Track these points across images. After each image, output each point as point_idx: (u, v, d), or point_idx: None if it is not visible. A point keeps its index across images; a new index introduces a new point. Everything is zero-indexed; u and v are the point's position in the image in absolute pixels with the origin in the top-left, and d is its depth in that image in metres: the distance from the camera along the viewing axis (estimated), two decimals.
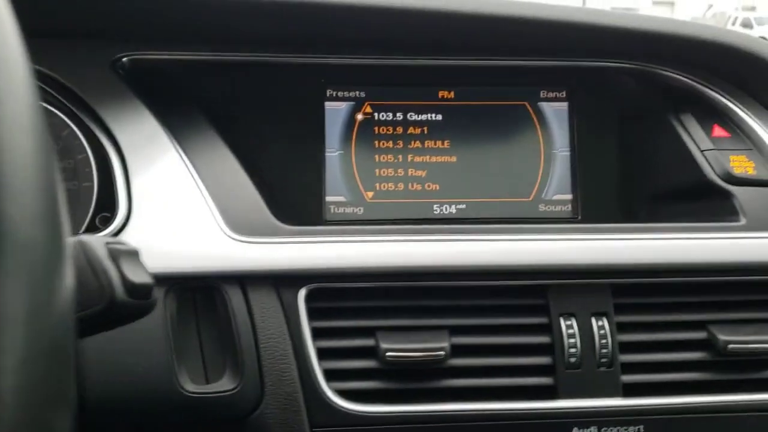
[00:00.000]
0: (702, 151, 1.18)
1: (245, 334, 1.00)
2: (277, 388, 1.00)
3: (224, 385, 1.00)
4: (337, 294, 1.04)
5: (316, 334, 1.03)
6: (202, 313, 1.03)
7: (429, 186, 1.32)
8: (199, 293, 1.03)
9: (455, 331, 1.05)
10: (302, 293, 1.03)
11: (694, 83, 1.22)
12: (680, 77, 1.22)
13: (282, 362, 1.00)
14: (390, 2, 1.13)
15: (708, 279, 1.09)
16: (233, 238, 1.02)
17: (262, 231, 1.04)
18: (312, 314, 1.03)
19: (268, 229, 1.04)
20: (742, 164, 1.16)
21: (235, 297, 1.01)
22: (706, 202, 1.18)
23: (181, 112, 1.13)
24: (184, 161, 1.07)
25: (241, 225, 1.04)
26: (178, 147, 1.08)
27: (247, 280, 1.02)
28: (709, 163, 1.17)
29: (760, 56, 1.17)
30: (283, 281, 1.03)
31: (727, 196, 1.15)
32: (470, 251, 1.06)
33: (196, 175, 1.06)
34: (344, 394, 1.02)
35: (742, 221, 1.12)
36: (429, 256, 1.05)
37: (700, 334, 1.08)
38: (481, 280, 1.06)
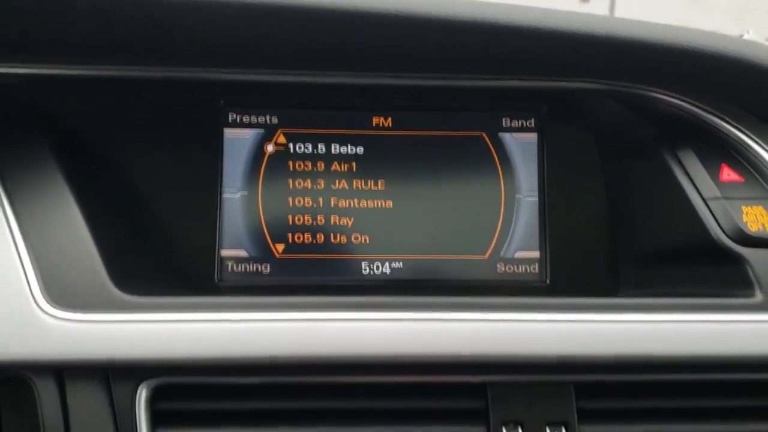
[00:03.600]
0: (706, 200, 0.89)
1: None
2: None
3: None
4: (193, 393, 0.77)
5: None
6: (8, 413, 0.75)
7: (357, 238, 1.03)
8: (4, 385, 0.75)
9: None
10: (143, 392, 0.75)
11: (697, 109, 0.94)
12: (678, 101, 0.94)
13: None
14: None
15: (710, 377, 0.80)
16: (49, 313, 0.75)
17: (94, 303, 0.77)
18: (157, 420, 0.75)
19: (102, 300, 0.77)
20: (758, 219, 0.87)
21: (46, 394, 0.74)
22: (712, 268, 0.89)
23: (16, 144, 0.87)
24: (1, 204, 0.81)
25: (65, 294, 0.77)
26: None
27: (65, 372, 0.75)
28: (715, 217, 0.88)
29: None
30: (116, 374, 0.75)
31: (739, 261, 0.86)
32: (379, 335, 0.78)
33: (15, 226, 0.80)
34: None
35: (758, 297, 0.83)
36: (318, 342, 0.77)
37: None
38: (397, 375, 0.78)
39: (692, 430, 0.80)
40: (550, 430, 0.78)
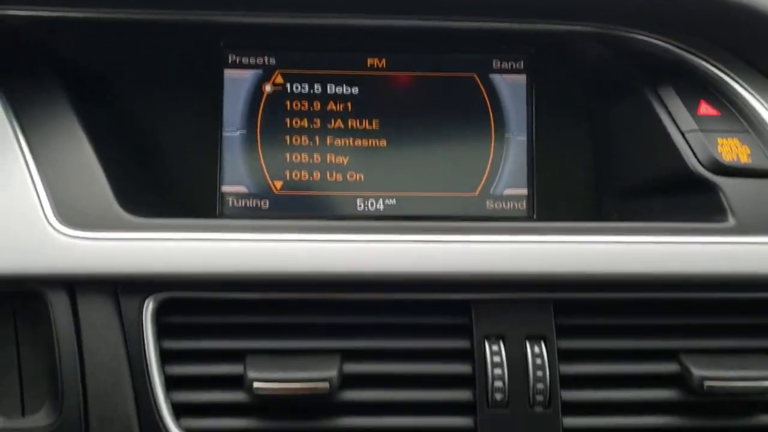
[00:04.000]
0: (684, 133, 0.93)
1: (68, 355, 0.78)
2: (106, 426, 0.77)
3: (42, 419, 0.78)
4: (196, 306, 0.82)
5: (167, 357, 0.80)
6: (23, 327, 0.81)
7: (352, 176, 1.08)
8: (19, 301, 0.81)
9: (349, 356, 0.82)
10: (150, 305, 0.80)
11: (678, 50, 0.97)
12: (661, 42, 0.97)
13: (114, 394, 0.78)
14: None
15: (682, 295, 0.84)
16: (61, 232, 0.80)
17: (102, 223, 0.82)
18: (162, 332, 0.81)
19: (111, 220, 0.82)
20: (733, 149, 0.91)
21: (59, 307, 0.79)
22: (688, 197, 0.93)
23: (30, 81, 0.91)
24: (15, 135, 0.85)
25: (75, 215, 0.82)
26: (13, 119, 0.86)
27: (77, 286, 0.80)
28: (692, 148, 0.92)
29: (762, 12, 0.91)
30: (124, 288, 0.80)
31: (713, 189, 0.89)
32: (372, 254, 0.82)
33: (26, 150, 0.84)
34: None
35: (730, 222, 0.87)
36: (316, 260, 0.81)
37: (669, 367, 0.83)
38: (385, 292, 0.83)
39: (663, 346, 0.84)
40: (529, 343, 0.82)
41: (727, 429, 0.82)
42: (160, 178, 1.04)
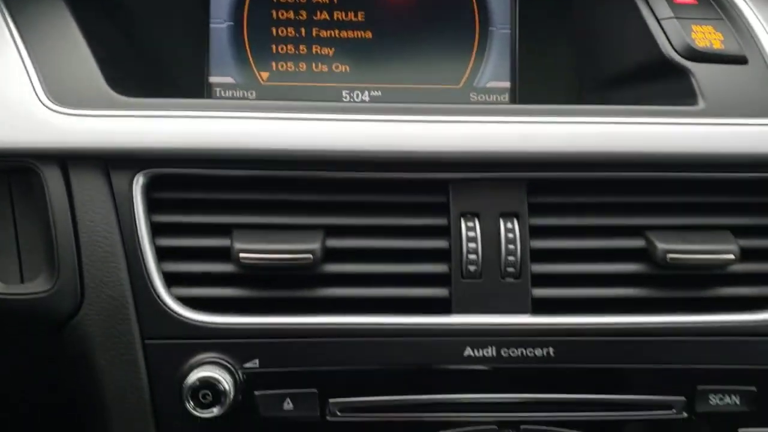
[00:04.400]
0: (659, 20, 0.95)
1: (63, 225, 0.82)
2: (100, 291, 0.82)
3: (39, 285, 0.83)
4: (185, 182, 0.85)
5: (157, 230, 0.84)
6: (20, 202, 0.84)
7: (337, 67, 1.10)
8: (15, 176, 0.84)
9: (332, 231, 0.86)
10: (140, 180, 0.84)
11: None
12: None
13: (107, 262, 0.82)
14: None
15: (650, 175, 0.87)
16: (51, 109, 0.83)
17: (92, 102, 0.84)
18: (153, 207, 0.84)
19: (101, 99, 0.85)
20: (706, 36, 0.93)
21: (53, 180, 0.83)
22: (663, 83, 0.96)
23: None
24: (5, 18, 0.87)
25: (66, 94, 0.84)
26: (1, 3, 0.88)
27: (69, 162, 0.83)
28: (667, 35, 0.94)
29: None
30: (115, 164, 0.84)
31: (685, 74, 0.92)
32: (354, 134, 0.85)
33: (15, 33, 0.87)
34: (187, 302, 0.84)
35: (700, 105, 0.89)
36: (301, 138, 0.84)
37: (634, 242, 0.87)
38: (367, 171, 0.86)
39: (630, 222, 0.87)
40: (503, 220, 0.86)
41: (688, 299, 0.86)
42: (149, 70, 1.06)
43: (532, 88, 1.11)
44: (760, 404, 0.86)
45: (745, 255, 0.86)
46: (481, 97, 1.12)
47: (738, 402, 0.86)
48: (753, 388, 0.86)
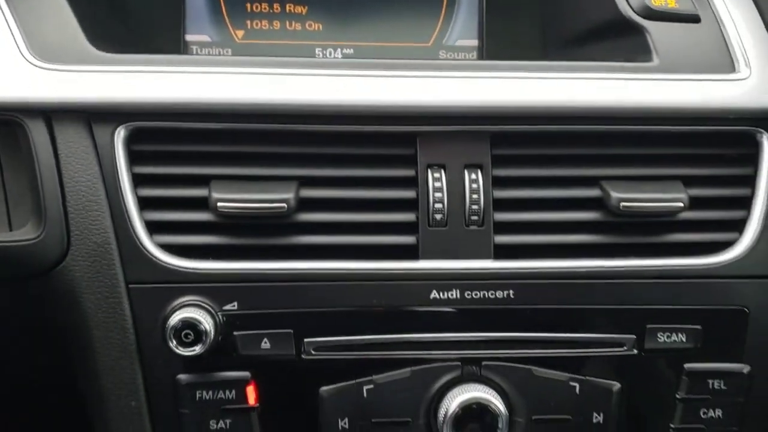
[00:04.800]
0: None
1: (49, 176, 0.86)
2: (85, 238, 0.86)
3: (27, 233, 0.87)
4: (164, 135, 0.89)
5: (139, 181, 0.88)
6: (6, 152, 0.88)
7: (310, 25, 1.14)
8: (1, 129, 0.88)
9: (306, 182, 0.90)
10: (121, 133, 0.87)
11: None
12: None
13: (91, 210, 0.86)
14: None
15: (606, 128, 0.92)
16: (34, 64, 0.86)
17: (74, 58, 0.88)
18: (135, 158, 0.88)
19: (82, 55, 0.88)
20: None
21: (38, 133, 0.86)
22: (621, 41, 1.00)
23: None
24: None
25: (48, 50, 0.87)
26: None
27: (53, 115, 0.87)
28: None
29: None
30: (96, 117, 0.87)
31: (641, 32, 0.97)
32: (327, 88, 0.89)
33: None
34: (168, 248, 0.88)
35: (655, 61, 0.94)
36: (275, 93, 0.88)
37: (590, 192, 0.92)
38: (339, 124, 0.90)
39: (587, 173, 0.92)
40: (467, 171, 0.91)
41: (640, 245, 0.92)
42: (127, 29, 1.09)
43: (499, 47, 1.15)
44: (705, 341, 0.92)
45: (694, 203, 0.92)
46: (450, 55, 1.16)
47: (684, 339, 0.92)
48: (698, 327, 0.92)
